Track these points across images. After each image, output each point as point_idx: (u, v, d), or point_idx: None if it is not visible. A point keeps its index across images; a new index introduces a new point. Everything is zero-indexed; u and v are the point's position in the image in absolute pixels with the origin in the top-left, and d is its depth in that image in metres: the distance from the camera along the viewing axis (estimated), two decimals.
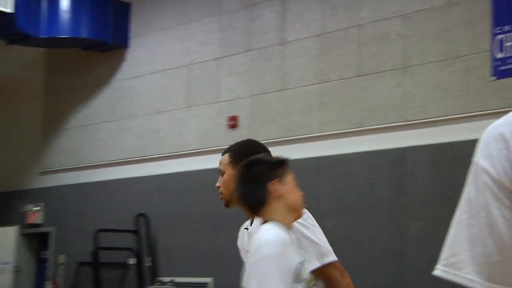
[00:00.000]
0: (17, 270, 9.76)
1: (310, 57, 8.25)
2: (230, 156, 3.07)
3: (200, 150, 9.06)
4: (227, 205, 3.07)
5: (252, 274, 2.54)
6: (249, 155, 2.88)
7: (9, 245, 9.74)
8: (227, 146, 3.22)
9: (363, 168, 7.61)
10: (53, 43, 10.25)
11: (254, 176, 2.70)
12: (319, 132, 8.02)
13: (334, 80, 8.00)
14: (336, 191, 7.75)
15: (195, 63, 9.41)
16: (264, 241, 2.54)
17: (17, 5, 9.20)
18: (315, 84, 8.14)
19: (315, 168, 7.92)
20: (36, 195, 11.10)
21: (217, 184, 3.09)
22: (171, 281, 8.10)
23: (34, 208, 10.97)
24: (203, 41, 9.36)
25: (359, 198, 7.58)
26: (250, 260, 2.59)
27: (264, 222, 2.67)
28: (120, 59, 10.34)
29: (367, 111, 7.69)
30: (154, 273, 9.31)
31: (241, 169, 2.74)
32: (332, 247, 2.98)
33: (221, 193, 3.06)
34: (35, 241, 11.10)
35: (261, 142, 3.22)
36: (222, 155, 3.12)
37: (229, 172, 3.02)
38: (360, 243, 7.43)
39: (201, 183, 8.48)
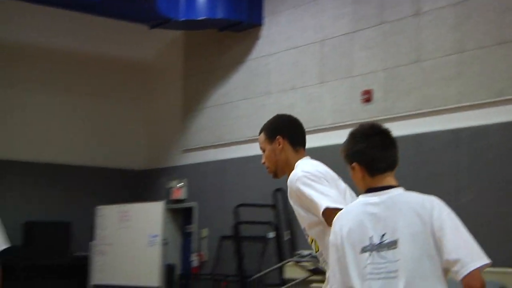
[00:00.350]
0: (165, 243, 10.28)
1: (447, 26, 8.02)
2: (265, 134, 3.40)
3: (334, 125, 9.09)
4: (275, 176, 3.40)
5: None
6: (282, 129, 3.35)
7: (157, 219, 10.25)
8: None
9: (504, 139, 7.33)
10: (191, 25, 10.62)
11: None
12: (457, 104, 7.81)
13: (472, 50, 7.74)
14: (475, 164, 7.53)
15: (328, 39, 9.42)
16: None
17: None
18: (452, 54, 7.91)
19: (453, 141, 7.73)
20: (179, 172, 11.62)
21: (262, 161, 3.42)
22: (310, 254, 8.21)
23: (178, 185, 11.50)
24: (335, 16, 9.34)
25: (500, 171, 7.32)
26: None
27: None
28: (255, 38, 10.54)
29: (508, 80, 7.39)
30: (293, 246, 9.49)
31: (388, 135, 2.70)
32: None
33: (268, 167, 3.40)
34: (180, 216, 11.65)
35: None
36: (259, 135, 3.44)
37: (268, 147, 3.38)
38: (499, 219, 7.19)
39: (336, 159, 8.45)
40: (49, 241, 11.21)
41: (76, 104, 11.97)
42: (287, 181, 3.25)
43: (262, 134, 3.42)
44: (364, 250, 2.56)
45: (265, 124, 3.46)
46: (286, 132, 3.37)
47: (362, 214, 2.60)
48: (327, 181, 3.16)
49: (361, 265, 2.55)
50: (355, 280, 2.55)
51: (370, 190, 2.64)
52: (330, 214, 2.93)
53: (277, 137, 3.34)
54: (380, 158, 2.64)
